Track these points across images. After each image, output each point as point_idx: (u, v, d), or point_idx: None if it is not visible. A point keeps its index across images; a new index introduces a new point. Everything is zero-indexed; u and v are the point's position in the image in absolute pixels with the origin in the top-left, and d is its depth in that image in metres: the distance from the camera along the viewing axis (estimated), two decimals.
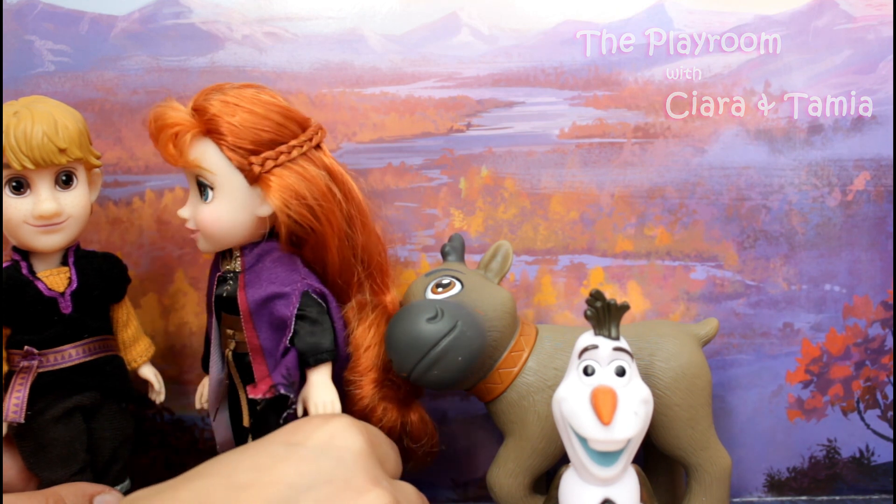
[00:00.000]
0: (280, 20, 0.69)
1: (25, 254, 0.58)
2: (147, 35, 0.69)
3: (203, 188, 0.56)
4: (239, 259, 0.58)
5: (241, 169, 0.55)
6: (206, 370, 0.62)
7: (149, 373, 0.64)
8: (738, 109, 0.69)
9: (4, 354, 0.58)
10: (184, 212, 0.57)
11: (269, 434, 0.48)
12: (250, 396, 0.56)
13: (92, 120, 0.57)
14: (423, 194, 0.70)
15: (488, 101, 0.69)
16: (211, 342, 0.61)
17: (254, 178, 0.55)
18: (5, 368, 0.58)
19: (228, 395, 0.61)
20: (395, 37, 0.69)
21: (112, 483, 0.61)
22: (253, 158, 0.55)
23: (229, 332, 0.59)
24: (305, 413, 0.57)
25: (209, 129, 0.54)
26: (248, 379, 0.58)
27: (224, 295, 0.58)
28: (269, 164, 0.55)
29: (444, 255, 0.65)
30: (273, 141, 0.55)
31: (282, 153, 0.56)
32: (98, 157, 0.59)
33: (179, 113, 0.55)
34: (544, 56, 0.69)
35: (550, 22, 0.69)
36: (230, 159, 0.55)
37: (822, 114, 0.69)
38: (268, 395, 0.55)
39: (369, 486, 0.44)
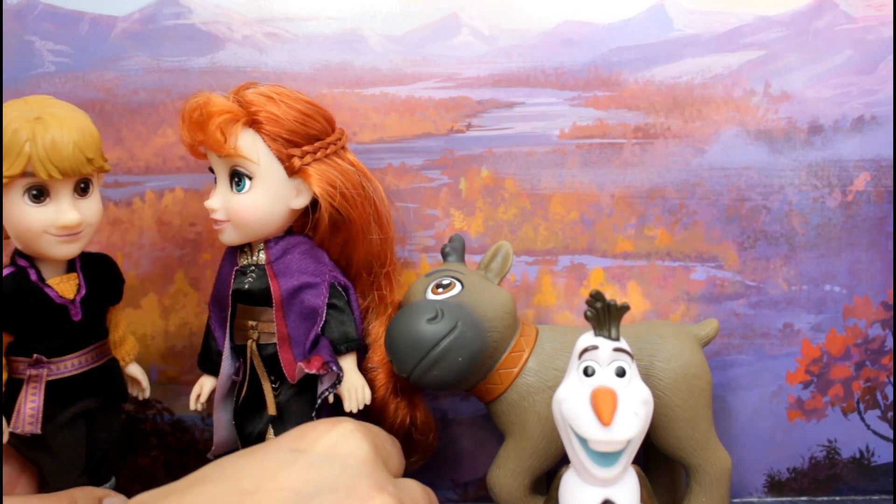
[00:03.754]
0: (280, 20, 0.69)
1: (32, 259, 0.56)
2: (147, 35, 0.69)
3: (239, 178, 0.57)
4: (263, 252, 0.59)
5: (281, 160, 0.57)
6: (203, 369, 0.63)
7: (136, 371, 0.63)
8: (738, 110, 0.69)
9: (4, 361, 0.57)
10: (213, 202, 0.58)
11: (273, 439, 0.49)
12: (307, 371, 0.57)
13: (92, 120, 0.57)
14: (424, 195, 0.70)
15: (488, 102, 0.69)
16: (216, 340, 0.61)
17: (293, 171, 0.57)
18: (5, 376, 0.57)
19: (237, 393, 0.61)
20: (395, 37, 0.69)
21: (100, 481, 0.61)
22: (293, 151, 0.57)
23: (251, 323, 0.59)
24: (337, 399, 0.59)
25: (254, 120, 0.56)
26: (274, 369, 0.59)
27: (246, 287, 0.59)
28: (309, 158, 0.58)
29: (445, 255, 0.65)
30: (311, 136, 0.58)
31: (320, 148, 0.58)
32: (107, 161, 0.58)
33: (226, 101, 0.56)
34: (544, 56, 0.69)
35: (550, 22, 0.69)
36: (272, 150, 0.57)
37: (822, 114, 0.69)
38: (321, 371, 0.57)
39: (374, 493, 0.44)
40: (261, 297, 0.59)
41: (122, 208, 0.69)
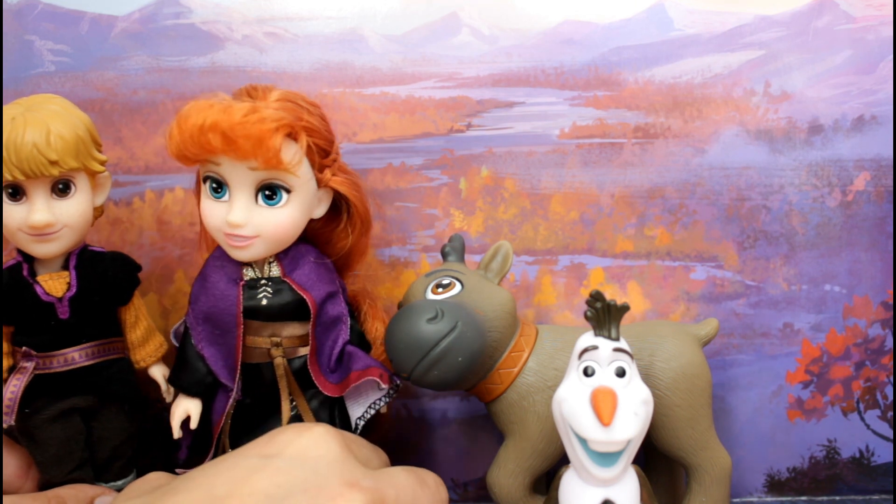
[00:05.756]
0: (280, 20, 0.69)
1: (28, 255, 0.57)
2: (147, 35, 0.69)
3: (273, 191, 0.54)
4: (275, 264, 0.58)
5: (317, 170, 0.55)
6: (190, 392, 0.59)
7: (157, 373, 0.62)
8: (738, 109, 0.69)
9: (6, 348, 0.58)
10: (238, 217, 0.54)
11: (243, 446, 0.49)
12: (384, 386, 0.57)
13: (92, 120, 0.57)
14: (424, 194, 0.70)
15: (488, 102, 0.69)
16: (205, 359, 0.58)
17: (323, 182, 0.56)
18: (8, 363, 0.58)
19: (235, 411, 0.60)
20: (395, 37, 0.69)
21: (115, 478, 0.61)
22: (327, 160, 0.56)
23: (274, 339, 0.58)
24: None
25: (297, 131, 0.53)
26: (305, 384, 0.59)
27: (264, 303, 0.57)
28: (335, 166, 0.56)
29: (445, 255, 0.65)
30: (332, 143, 0.57)
31: (337, 153, 0.57)
32: (102, 163, 0.57)
33: (278, 112, 0.52)
34: (544, 56, 0.69)
35: (550, 22, 0.69)
36: (311, 161, 0.55)
37: (822, 114, 0.69)
38: (390, 385, 0.58)
39: (344, 490, 0.44)
40: (283, 312, 0.57)
41: (122, 208, 0.69)
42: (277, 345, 0.58)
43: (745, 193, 0.70)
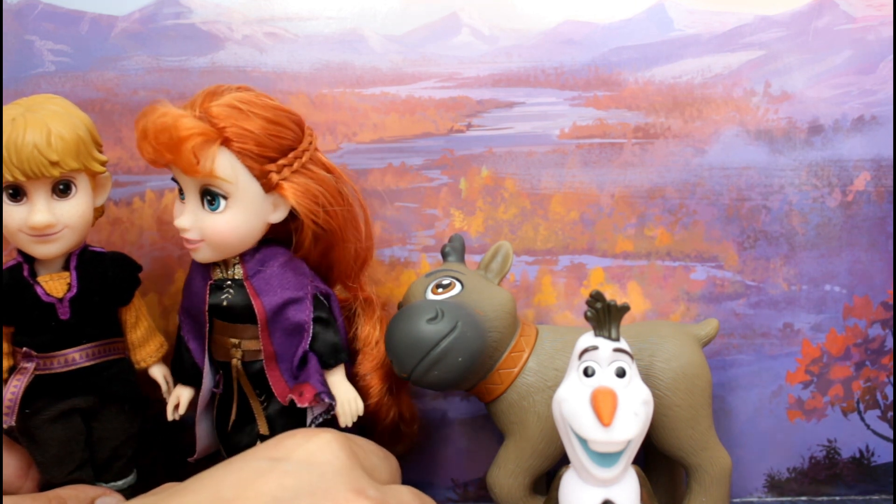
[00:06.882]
0: (280, 20, 0.69)
1: (28, 255, 0.57)
2: (147, 35, 0.69)
3: (213, 197, 0.54)
4: (239, 266, 0.58)
5: (257, 177, 0.55)
6: (179, 380, 0.61)
7: (158, 374, 0.62)
8: (738, 110, 0.69)
9: (7, 349, 0.58)
10: (183, 221, 0.55)
11: (251, 449, 0.49)
12: (299, 405, 0.56)
13: (92, 120, 0.57)
14: (424, 194, 0.70)
15: (488, 102, 0.69)
16: (190, 351, 0.60)
17: (271, 187, 0.55)
18: (8, 364, 0.58)
19: (217, 407, 0.61)
20: (395, 37, 0.69)
21: (115, 478, 0.61)
22: (270, 166, 0.55)
23: (233, 341, 0.58)
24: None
25: (226, 138, 0.53)
26: (262, 387, 0.58)
27: (225, 304, 0.57)
28: (286, 171, 0.55)
29: (445, 255, 0.65)
30: (285, 147, 0.55)
31: (296, 158, 0.56)
32: (103, 163, 0.57)
33: (193, 121, 0.52)
34: (544, 56, 0.69)
35: (550, 22, 0.69)
36: (247, 167, 0.54)
37: (822, 114, 0.69)
38: (314, 404, 0.56)
39: (351, 496, 0.45)
40: (242, 314, 0.57)
41: (122, 208, 0.69)
42: (236, 346, 0.58)
43: (745, 193, 0.70)
